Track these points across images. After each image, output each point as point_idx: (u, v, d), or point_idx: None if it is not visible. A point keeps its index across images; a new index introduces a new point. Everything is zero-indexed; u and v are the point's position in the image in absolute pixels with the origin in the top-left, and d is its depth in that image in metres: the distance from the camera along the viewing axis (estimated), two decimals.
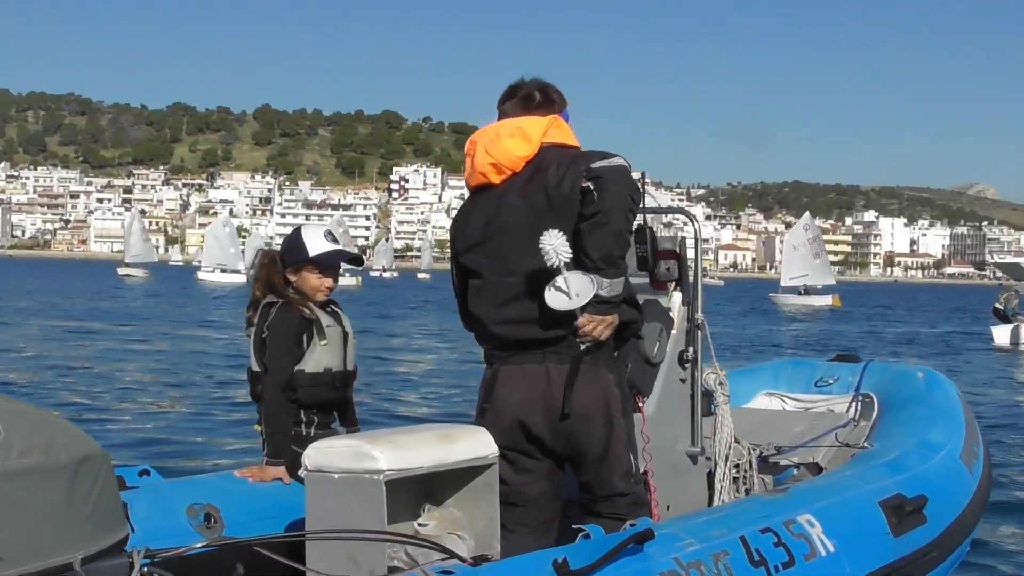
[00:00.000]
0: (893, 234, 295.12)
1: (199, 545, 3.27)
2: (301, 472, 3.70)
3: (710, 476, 4.80)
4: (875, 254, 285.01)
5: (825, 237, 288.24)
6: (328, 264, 4.71)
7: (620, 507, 3.96)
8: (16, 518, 2.45)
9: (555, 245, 3.72)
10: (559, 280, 3.73)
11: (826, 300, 69.64)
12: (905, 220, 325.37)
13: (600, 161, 3.80)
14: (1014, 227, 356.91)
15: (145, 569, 2.74)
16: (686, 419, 4.68)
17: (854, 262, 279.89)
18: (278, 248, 4.85)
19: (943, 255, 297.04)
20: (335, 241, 4.76)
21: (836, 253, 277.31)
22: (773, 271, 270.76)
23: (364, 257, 5.12)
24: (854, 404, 5.84)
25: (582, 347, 3.83)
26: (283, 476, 4.49)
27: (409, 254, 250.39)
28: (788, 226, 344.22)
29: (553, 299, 3.74)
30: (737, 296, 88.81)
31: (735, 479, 4.85)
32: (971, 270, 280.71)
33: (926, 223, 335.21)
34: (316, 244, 4.70)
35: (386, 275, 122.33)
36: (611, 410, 3.93)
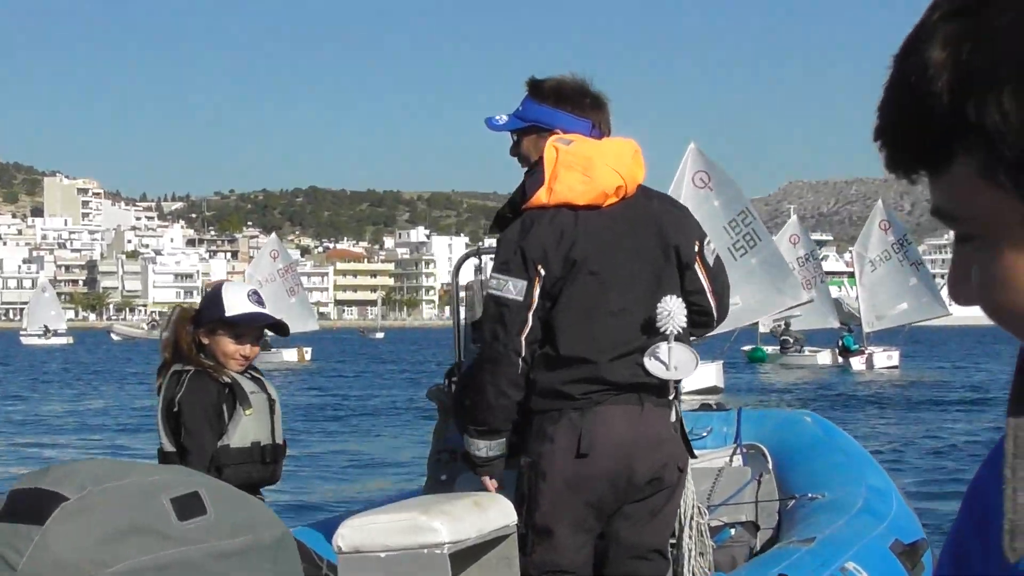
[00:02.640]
0: (451, 259, 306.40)
1: None
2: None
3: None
4: (428, 288, 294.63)
5: (358, 267, 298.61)
6: (246, 328, 5.48)
7: (660, 569, 5.14)
8: None
9: (672, 311, 4.87)
10: (661, 349, 4.89)
11: (292, 355, 71.99)
12: (467, 239, 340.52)
13: (707, 245, 5.20)
14: None
15: None
16: None
17: (399, 299, 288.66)
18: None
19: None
20: (260, 303, 5.56)
21: (375, 288, 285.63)
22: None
23: (289, 327, 6.18)
24: (737, 457, 6.92)
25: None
26: None
27: None
28: (305, 251, 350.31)
29: (652, 367, 4.91)
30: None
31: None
32: None
33: (495, 242, 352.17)
34: (235, 303, 5.46)
35: None
36: (685, 462, 5.17)
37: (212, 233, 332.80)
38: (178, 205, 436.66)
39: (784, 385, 44.33)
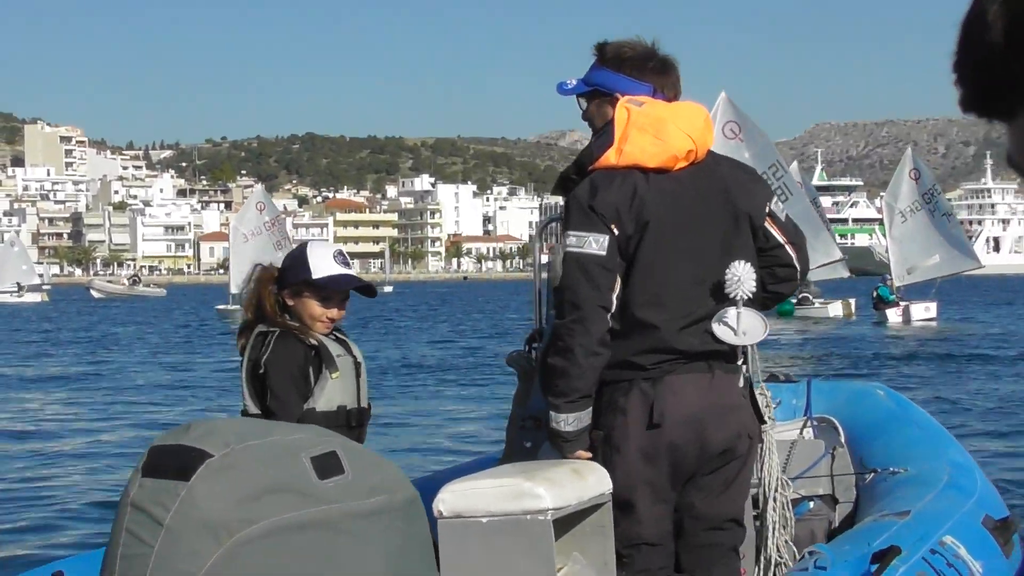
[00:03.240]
0: (458, 208, 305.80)
1: None
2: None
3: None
4: (434, 239, 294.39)
5: (359, 217, 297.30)
6: (334, 290, 5.66)
7: (737, 538, 5.46)
8: (369, 559, 3.60)
9: (741, 276, 5.13)
10: (730, 315, 5.15)
11: None
12: (475, 187, 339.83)
13: (775, 203, 5.49)
14: None
15: None
16: None
17: (403, 252, 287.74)
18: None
19: (531, 237, 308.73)
20: (346, 264, 5.74)
21: (377, 240, 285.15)
22: None
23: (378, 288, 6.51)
24: (808, 430, 7.08)
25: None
26: None
27: None
28: (303, 201, 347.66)
29: (721, 332, 5.17)
30: (177, 310, 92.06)
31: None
32: None
33: (504, 190, 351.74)
34: (322, 265, 5.66)
35: None
36: (756, 429, 5.45)
37: (204, 183, 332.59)
38: (167, 154, 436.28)
39: (817, 341, 44.29)
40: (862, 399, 7.31)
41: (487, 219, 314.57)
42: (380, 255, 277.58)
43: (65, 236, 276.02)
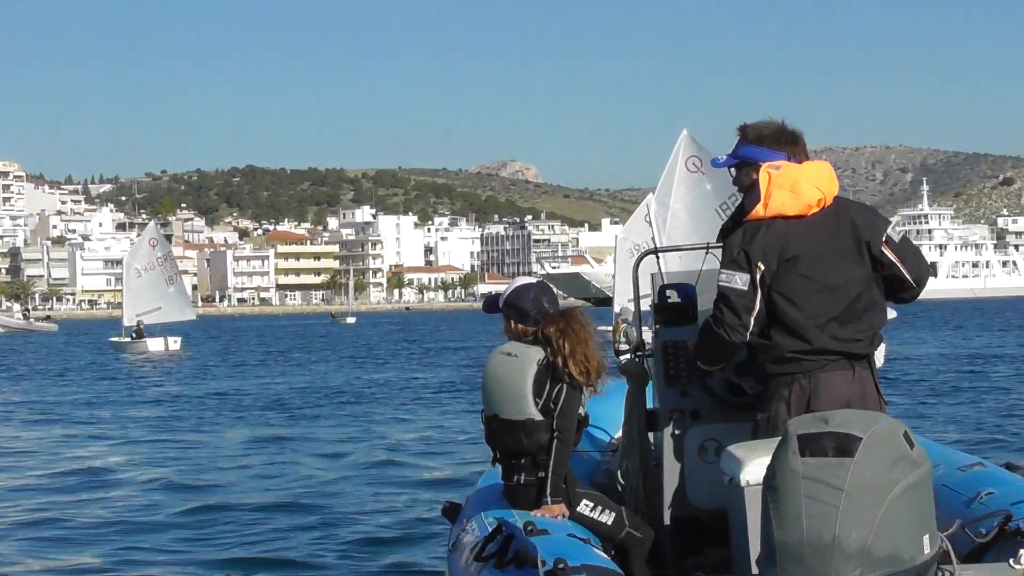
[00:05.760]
0: (399, 239, 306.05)
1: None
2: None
3: None
4: (375, 270, 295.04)
5: (300, 249, 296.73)
6: None
7: None
8: (923, 520, 5.14)
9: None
10: None
11: (159, 344, 75.79)
12: (416, 218, 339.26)
13: (892, 229, 6.95)
14: (568, 222, 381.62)
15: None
16: None
17: (345, 283, 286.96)
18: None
19: (472, 267, 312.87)
20: None
21: (319, 272, 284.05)
22: (225, 303, 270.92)
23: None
24: None
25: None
26: (565, 511, 7.46)
27: None
28: (244, 234, 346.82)
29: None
30: (70, 344, 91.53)
31: None
32: None
33: (445, 221, 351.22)
34: None
35: None
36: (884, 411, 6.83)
37: (144, 216, 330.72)
38: (106, 188, 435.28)
39: None
40: None
41: (428, 250, 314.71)
42: (322, 287, 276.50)
43: (3, 271, 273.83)
